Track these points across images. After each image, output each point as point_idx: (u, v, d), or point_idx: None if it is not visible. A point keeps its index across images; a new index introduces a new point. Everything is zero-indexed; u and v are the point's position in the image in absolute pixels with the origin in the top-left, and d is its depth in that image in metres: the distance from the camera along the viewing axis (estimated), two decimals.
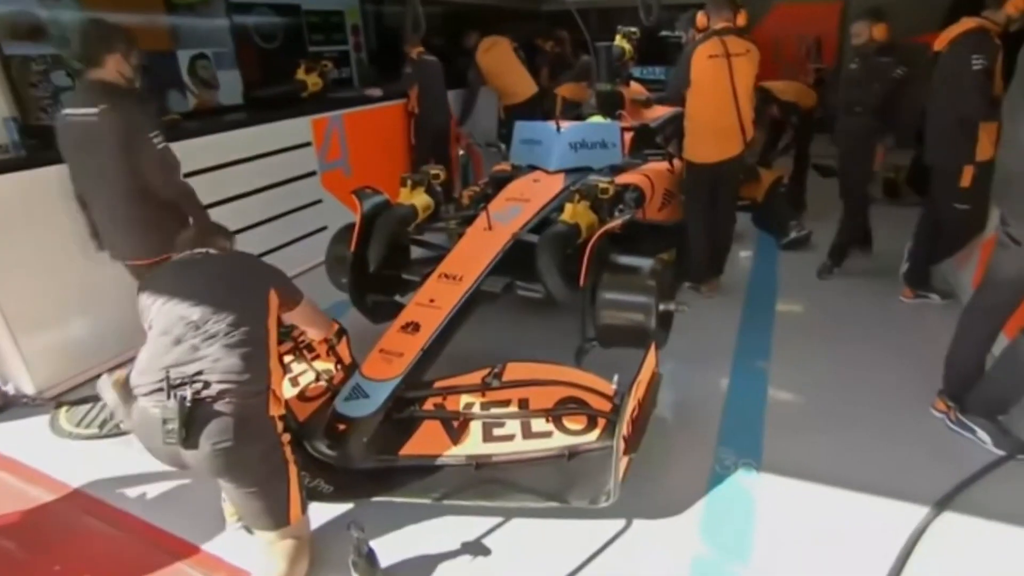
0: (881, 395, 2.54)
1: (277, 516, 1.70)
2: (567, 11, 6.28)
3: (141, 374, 1.64)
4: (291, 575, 1.65)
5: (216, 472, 1.63)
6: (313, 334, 2.27)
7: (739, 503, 2.00)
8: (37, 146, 2.80)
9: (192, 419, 1.56)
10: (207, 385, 1.59)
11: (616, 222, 2.48)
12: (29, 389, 2.70)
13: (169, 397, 1.56)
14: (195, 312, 1.68)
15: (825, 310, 3.35)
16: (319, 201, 4.13)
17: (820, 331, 3.11)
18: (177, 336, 1.66)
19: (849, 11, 6.96)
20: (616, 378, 2.00)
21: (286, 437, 1.76)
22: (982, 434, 2.18)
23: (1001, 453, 2.13)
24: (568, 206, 2.59)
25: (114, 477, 2.20)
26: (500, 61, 5.37)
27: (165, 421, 1.55)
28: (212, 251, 1.89)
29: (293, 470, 1.74)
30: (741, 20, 3.05)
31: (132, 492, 2.14)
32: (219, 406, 1.59)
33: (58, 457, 2.34)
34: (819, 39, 7.18)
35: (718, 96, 3.06)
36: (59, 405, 2.65)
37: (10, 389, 2.72)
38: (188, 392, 1.56)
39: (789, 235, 4.09)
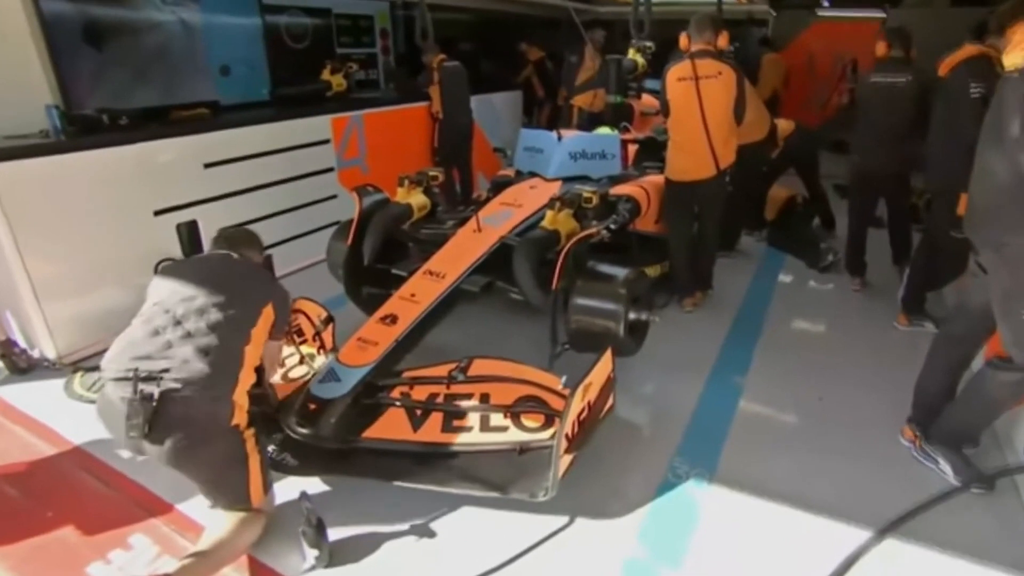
0: (853, 419, 2.54)
1: (236, 499, 1.80)
2: (606, 20, 6.41)
3: (114, 358, 1.71)
4: (234, 541, 1.74)
5: (174, 466, 1.72)
6: (267, 366, 2.11)
7: (683, 511, 2.05)
8: (76, 133, 3.08)
9: (156, 416, 1.61)
10: (173, 384, 1.64)
11: (591, 230, 2.55)
12: (51, 354, 2.95)
13: (135, 392, 1.61)
14: (179, 307, 1.76)
15: (815, 330, 3.34)
16: (335, 196, 4.32)
17: (805, 350, 3.11)
18: (156, 328, 1.73)
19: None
20: (564, 378, 2.08)
21: (250, 432, 1.83)
22: (944, 465, 2.16)
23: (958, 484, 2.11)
24: (549, 213, 2.68)
25: (111, 439, 2.39)
26: None
27: (129, 417, 1.59)
28: (234, 255, 2.02)
29: (255, 460, 1.82)
30: (722, 42, 3.08)
31: (125, 453, 2.32)
32: (182, 407, 1.64)
33: (66, 417, 2.55)
34: (855, 59, 7.03)
35: (688, 118, 3.10)
36: (75, 370, 2.89)
37: (35, 353, 2.98)
38: (155, 390, 1.61)
39: (827, 260, 4.03)
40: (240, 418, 1.79)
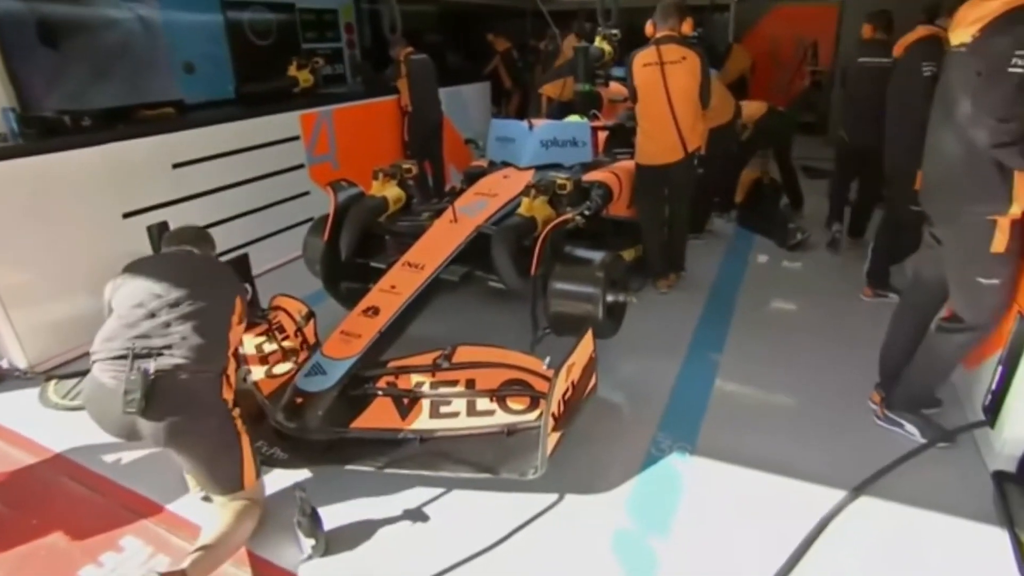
0: (825, 388, 2.64)
1: (230, 482, 1.83)
2: (569, 11, 6.44)
3: (106, 340, 1.76)
4: (235, 531, 1.76)
5: (169, 443, 1.74)
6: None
7: (667, 483, 2.12)
8: (35, 135, 2.99)
9: (153, 391, 1.65)
10: (172, 359, 1.70)
11: (567, 216, 2.60)
12: (22, 363, 2.88)
13: (132, 368, 1.66)
14: (172, 292, 1.83)
15: (785, 306, 3.46)
16: (307, 193, 4.29)
17: (777, 326, 3.22)
18: (152, 310, 1.79)
19: (846, 13, 6.99)
20: (548, 360, 2.13)
21: (236, 411, 1.88)
22: (910, 427, 2.28)
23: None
24: (525, 200, 2.72)
25: (93, 444, 2.34)
26: None
27: (127, 392, 1.63)
28: (195, 251, 2.11)
29: (245, 440, 1.86)
30: (686, 28, 3.15)
31: (108, 458, 2.30)
32: (179, 381, 1.70)
33: (43, 425, 2.51)
34: (816, 42, 7.21)
35: (655, 103, 3.17)
36: (49, 378, 2.83)
37: (4, 363, 2.90)
38: (152, 365, 1.67)
39: (796, 238, 4.16)
40: (228, 393, 1.87)
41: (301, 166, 4.27)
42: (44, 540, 1.94)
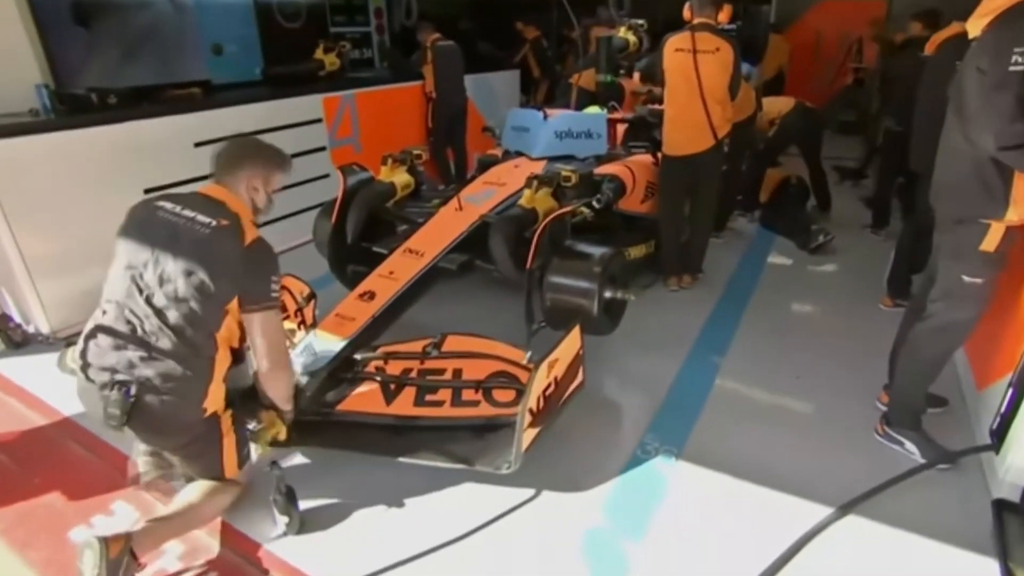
0: (828, 399, 2.55)
1: (210, 473, 1.85)
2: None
3: (92, 353, 1.69)
4: (203, 506, 1.79)
5: (151, 445, 1.83)
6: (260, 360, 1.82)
7: (649, 487, 2.08)
8: (65, 112, 3.12)
9: (134, 410, 1.63)
10: (152, 381, 1.64)
11: (567, 208, 2.56)
12: (45, 329, 3.03)
13: (113, 387, 1.62)
14: (159, 295, 1.65)
15: (799, 310, 3.35)
16: (327, 175, 4.35)
17: (786, 331, 3.11)
18: (133, 318, 1.66)
19: (893, 9, 6.64)
20: (529, 354, 2.12)
21: (227, 414, 1.85)
22: (910, 446, 2.18)
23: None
24: (527, 192, 2.69)
25: None
26: None
27: (107, 408, 1.62)
28: (217, 199, 1.78)
29: (229, 441, 1.84)
30: (723, 17, 3.05)
31: None
32: (159, 403, 1.65)
33: (58, 389, 2.61)
34: (861, 38, 6.87)
35: (685, 90, 3.08)
36: (68, 344, 2.95)
37: (30, 328, 3.06)
38: (133, 387, 1.62)
39: (818, 240, 4.02)
40: (216, 405, 1.79)
41: (323, 148, 4.32)
42: (43, 499, 2.05)
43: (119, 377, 1.65)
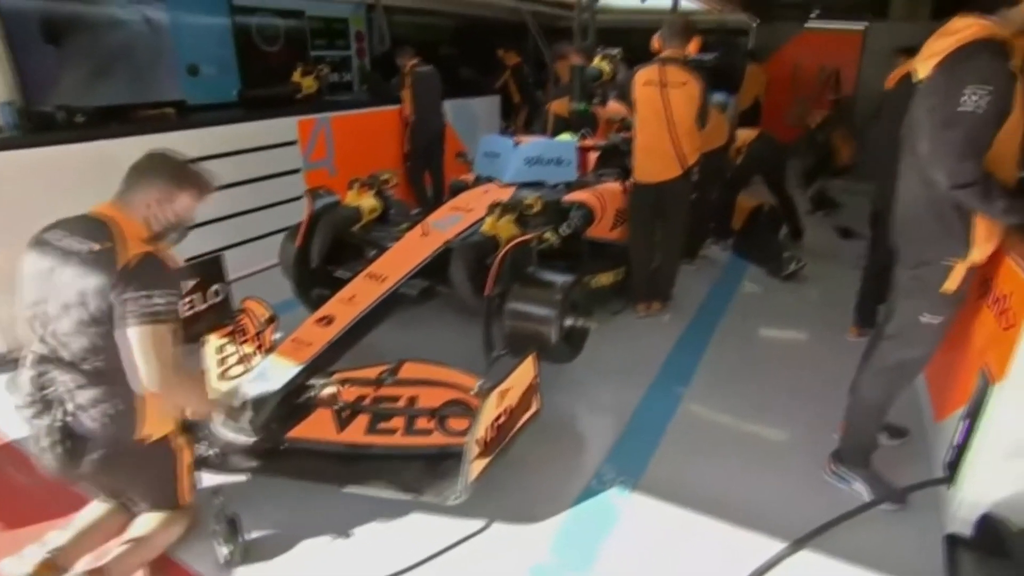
0: (789, 431, 2.54)
1: (163, 504, 1.81)
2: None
3: (18, 387, 1.67)
4: (160, 532, 1.76)
5: (107, 491, 1.79)
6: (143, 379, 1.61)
7: (600, 519, 2.05)
8: (32, 129, 3.10)
9: (67, 444, 1.61)
10: (74, 414, 1.62)
11: (527, 236, 2.56)
12: (1, 348, 2.96)
13: (44, 426, 1.60)
14: (51, 319, 1.61)
15: (766, 338, 3.35)
16: (300, 198, 4.33)
17: (752, 360, 3.11)
18: (39, 356, 1.64)
19: (868, 42, 6.82)
20: (479, 383, 2.09)
21: (177, 437, 1.81)
22: (858, 485, 2.15)
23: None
24: (489, 219, 2.69)
25: None
26: None
27: (41, 444, 1.61)
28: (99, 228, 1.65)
29: (181, 464, 1.82)
30: (692, 48, 3.09)
31: None
32: (88, 432, 1.63)
33: (3, 412, 2.56)
34: (838, 69, 7.03)
35: (654, 121, 3.12)
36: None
37: None
38: (60, 421, 1.60)
39: (790, 268, 4.05)
40: (160, 430, 1.74)
41: (297, 170, 4.32)
42: None
43: (40, 393, 1.63)
